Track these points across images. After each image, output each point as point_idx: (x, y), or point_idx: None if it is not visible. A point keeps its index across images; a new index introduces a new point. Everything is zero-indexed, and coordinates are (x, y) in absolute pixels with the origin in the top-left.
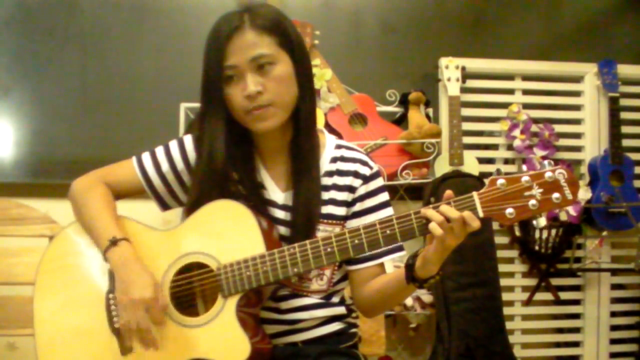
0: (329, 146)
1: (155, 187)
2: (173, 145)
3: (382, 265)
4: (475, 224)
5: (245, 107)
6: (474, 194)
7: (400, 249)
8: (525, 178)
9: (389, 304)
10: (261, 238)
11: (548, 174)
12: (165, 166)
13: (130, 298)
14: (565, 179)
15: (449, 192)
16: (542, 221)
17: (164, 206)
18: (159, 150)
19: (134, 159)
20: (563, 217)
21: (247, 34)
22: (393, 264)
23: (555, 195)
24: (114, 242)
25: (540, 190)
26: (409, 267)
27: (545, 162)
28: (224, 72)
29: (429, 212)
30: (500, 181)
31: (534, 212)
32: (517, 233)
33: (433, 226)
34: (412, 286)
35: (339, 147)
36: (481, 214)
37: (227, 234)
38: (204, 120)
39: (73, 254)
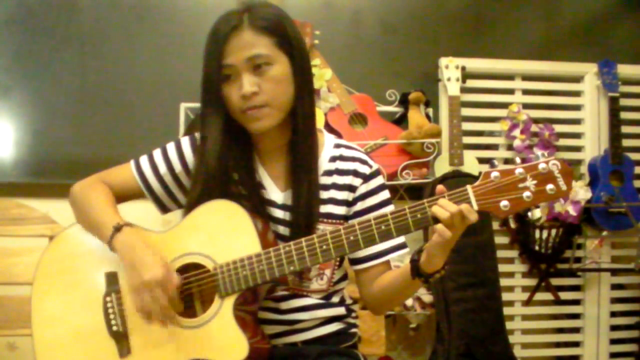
0: (327, 145)
1: (153, 189)
2: (170, 147)
3: (387, 263)
4: (473, 217)
5: (240, 106)
6: (468, 187)
7: (403, 246)
8: (519, 170)
9: (396, 300)
10: (257, 237)
11: (542, 166)
12: (162, 168)
13: (142, 280)
14: (559, 169)
15: (440, 187)
16: (537, 212)
17: (163, 209)
18: (157, 153)
19: (131, 163)
20: (558, 208)
21: (245, 33)
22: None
23: (550, 186)
24: (118, 229)
25: (534, 181)
26: (414, 262)
27: (539, 153)
28: (221, 71)
29: (437, 210)
30: (494, 174)
31: (528, 204)
32: (517, 232)
33: (441, 228)
34: (418, 281)
35: (337, 146)
36: (476, 207)
37: (223, 234)
38: (205, 119)
39: (71, 256)
